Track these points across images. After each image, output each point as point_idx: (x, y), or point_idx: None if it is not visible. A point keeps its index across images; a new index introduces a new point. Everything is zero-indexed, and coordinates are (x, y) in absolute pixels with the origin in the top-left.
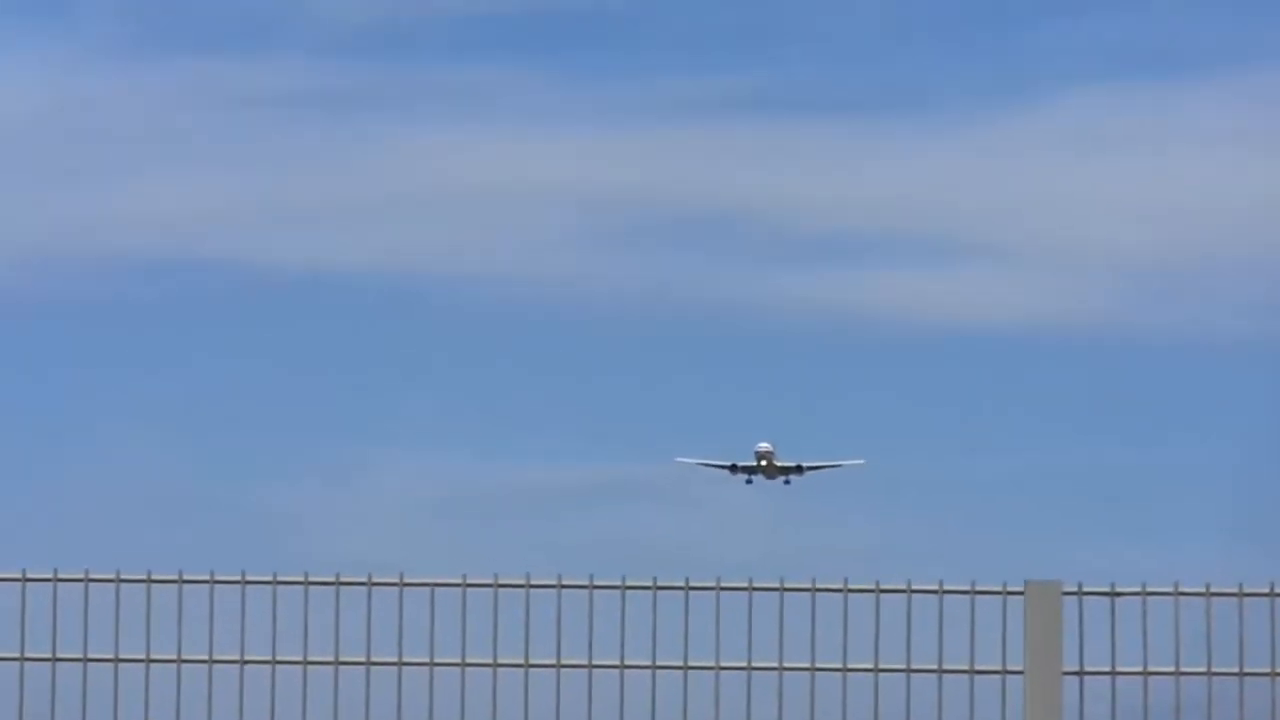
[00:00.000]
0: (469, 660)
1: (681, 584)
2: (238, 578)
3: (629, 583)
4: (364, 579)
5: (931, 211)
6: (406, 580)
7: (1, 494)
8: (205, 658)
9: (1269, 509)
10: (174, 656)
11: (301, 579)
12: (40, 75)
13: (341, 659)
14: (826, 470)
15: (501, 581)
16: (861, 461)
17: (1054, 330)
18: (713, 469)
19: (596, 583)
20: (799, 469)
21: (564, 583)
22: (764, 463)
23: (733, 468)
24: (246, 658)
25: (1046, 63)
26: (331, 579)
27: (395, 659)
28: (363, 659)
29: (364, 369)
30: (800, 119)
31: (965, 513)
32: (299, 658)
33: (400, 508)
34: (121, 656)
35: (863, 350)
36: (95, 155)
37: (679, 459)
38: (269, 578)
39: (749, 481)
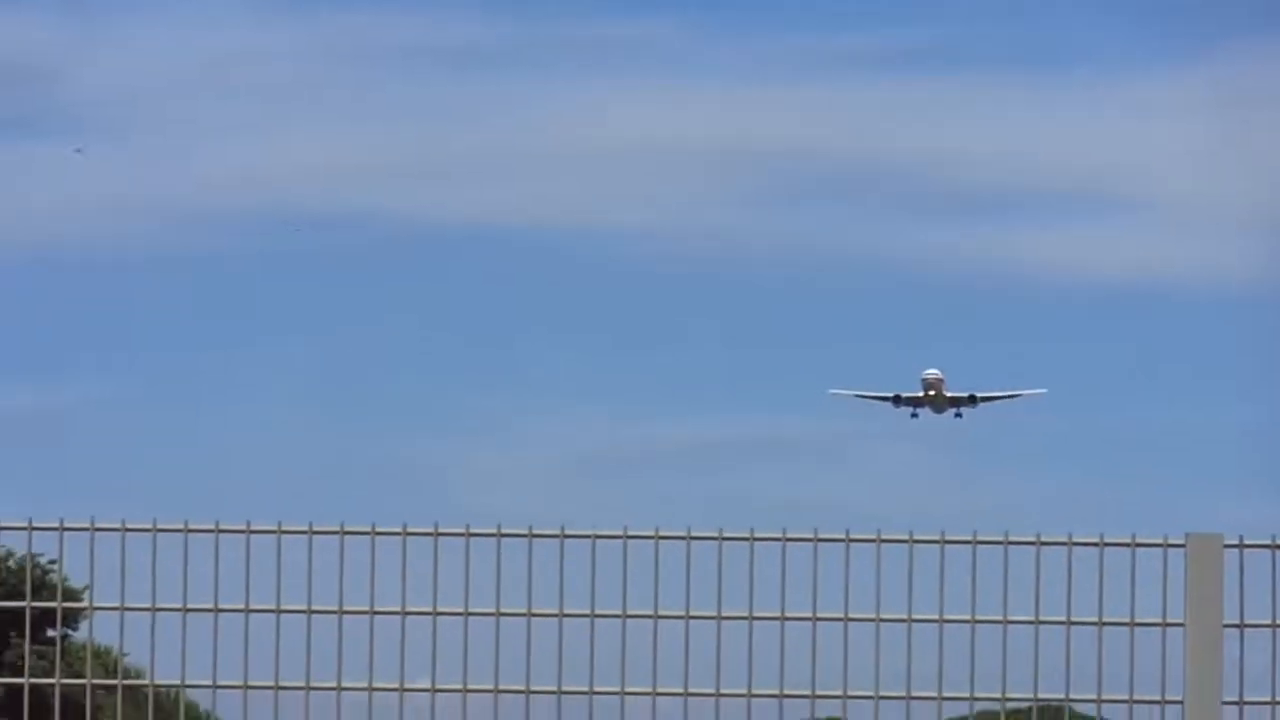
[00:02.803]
0: (630, 612)
1: (842, 536)
2: (399, 530)
3: (789, 535)
4: (525, 530)
5: (1089, 165)
6: (567, 532)
7: (158, 448)
8: (367, 609)
9: None
10: (335, 608)
11: (463, 531)
12: (191, 31)
13: (502, 610)
14: (1001, 402)
15: (662, 534)
16: (1043, 391)
17: (1218, 284)
18: (872, 401)
19: (757, 535)
20: (972, 399)
21: (725, 535)
22: (932, 392)
23: (896, 399)
24: (408, 609)
25: (1205, 15)
26: (493, 530)
27: (556, 610)
28: (523, 610)
29: (513, 323)
30: (956, 73)
31: (1126, 465)
32: (460, 609)
33: (549, 463)
34: (284, 608)
35: (1020, 304)
36: (245, 110)
37: (833, 391)
38: (431, 529)
39: (914, 415)
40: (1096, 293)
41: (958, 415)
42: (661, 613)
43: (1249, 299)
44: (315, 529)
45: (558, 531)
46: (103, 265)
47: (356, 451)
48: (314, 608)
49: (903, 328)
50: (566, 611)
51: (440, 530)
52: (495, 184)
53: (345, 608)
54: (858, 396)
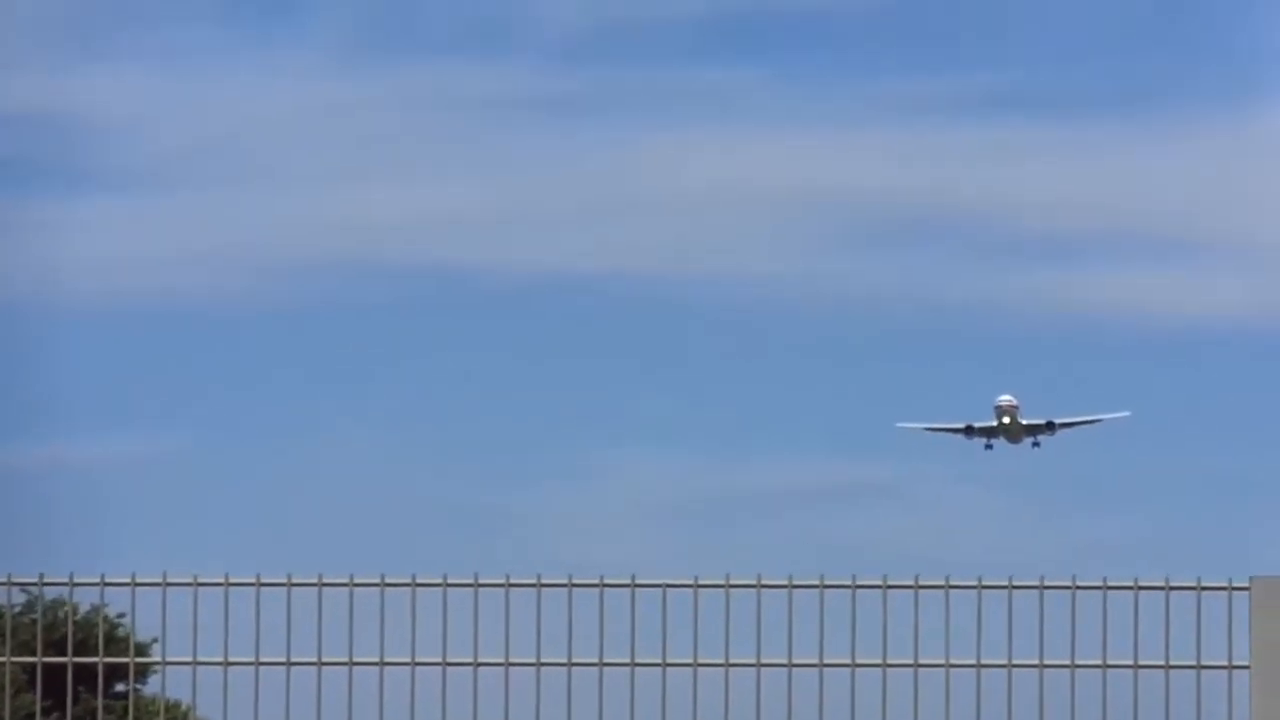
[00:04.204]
0: (701, 660)
1: (911, 583)
2: (470, 581)
3: (859, 582)
4: (596, 580)
5: (1156, 210)
6: (638, 581)
7: (236, 498)
8: (439, 661)
9: None
10: (408, 659)
11: (534, 581)
12: (271, 82)
13: (574, 661)
14: (1082, 428)
15: (732, 582)
16: (1126, 414)
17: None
18: (944, 434)
19: (827, 582)
20: (1049, 426)
21: (794, 583)
22: (1006, 420)
23: (968, 430)
24: (480, 660)
25: (1274, 62)
26: (564, 581)
27: (629, 660)
28: (595, 661)
29: (597, 371)
30: (1035, 118)
31: (1192, 506)
32: (532, 660)
33: (634, 509)
34: (356, 660)
35: (1093, 347)
36: (326, 160)
37: (901, 424)
38: (501, 580)
39: (989, 446)
40: (1168, 335)
41: (1035, 444)
42: (733, 661)
43: None
44: (387, 582)
45: (628, 581)
46: (184, 316)
47: (440, 501)
48: (387, 660)
49: (976, 368)
50: (639, 661)
51: (511, 581)
52: (576, 232)
53: (418, 659)
54: (928, 429)
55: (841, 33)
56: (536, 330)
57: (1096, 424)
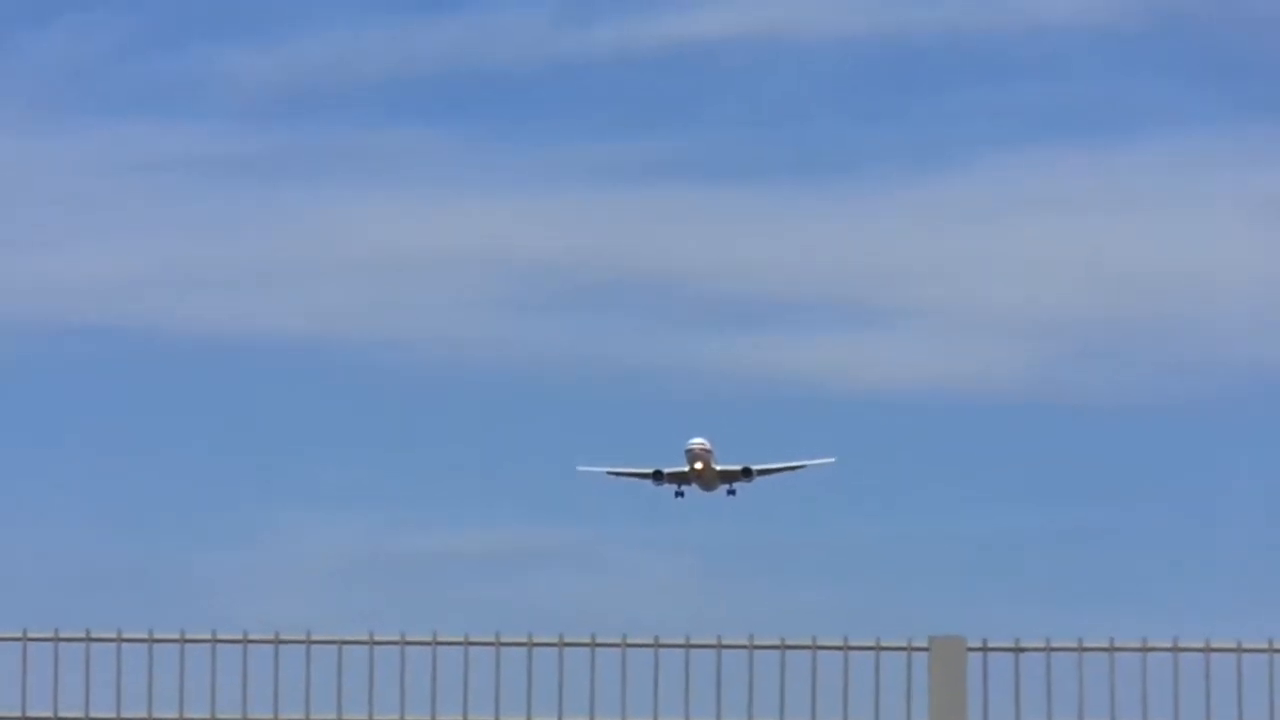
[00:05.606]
0: (376, 715)
1: (588, 640)
2: (145, 636)
3: (535, 640)
4: (271, 637)
5: (850, 276)
6: (314, 638)
7: None
8: (114, 716)
9: (1169, 567)
10: (82, 714)
11: (209, 637)
12: None
13: (249, 716)
14: (784, 474)
15: (408, 639)
16: (831, 460)
17: (968, 393)
18: (631, 481)
19: (503, 640)
20: (746, 473)
21: (470, 640)
22: (698, 465)
23: (657, 475)
24: (154, 715)
25: (964, 127)
26: (239, 637)
27: (303, 715)
28: (270, 715)
29: (275, 433)
30: (719, 185)
31: (871, 571)
32: (207, 715)
33: (310, 571)
34: (28, 715)
35: (779, 413)
36: (22, 220)
37: (581, 468)
38: (177, 636)
39: (679, 494)
40: (849, 401)
41: (730, 493)
42: (408, 716)
43: (999, 406)
44: (61, 636)
45: (303, 638)
46: None
47: (124, 559)
48: (61, 715)
49: (666, 424)
50: (312, 716)
51: (187, 638)
52: (256, 294)
53: (92, 714)
54: (612, 473)
55: (532, 96)
56: (217, 392)
57: (799, 470)
